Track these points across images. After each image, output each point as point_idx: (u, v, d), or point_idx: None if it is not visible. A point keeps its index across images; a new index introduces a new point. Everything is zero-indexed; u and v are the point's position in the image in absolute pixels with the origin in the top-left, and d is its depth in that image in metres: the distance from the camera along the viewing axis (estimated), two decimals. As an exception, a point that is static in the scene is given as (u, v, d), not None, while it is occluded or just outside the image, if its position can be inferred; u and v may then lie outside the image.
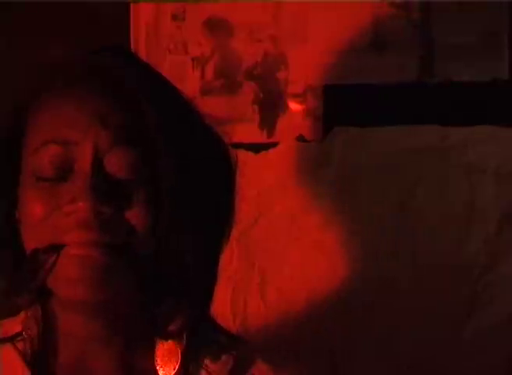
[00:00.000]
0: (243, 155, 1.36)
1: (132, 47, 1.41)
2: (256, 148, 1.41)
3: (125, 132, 0.92)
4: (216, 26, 1.43)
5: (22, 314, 0.98)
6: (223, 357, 0.98)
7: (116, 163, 0.91)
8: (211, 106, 1.35)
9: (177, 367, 0.95)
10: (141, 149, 0.92)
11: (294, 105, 1.41)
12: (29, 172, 0.93)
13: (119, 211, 0.91)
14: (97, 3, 1.42)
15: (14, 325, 0.99)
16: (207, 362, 0.98)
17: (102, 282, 0.90)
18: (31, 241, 0.93)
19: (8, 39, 1.45)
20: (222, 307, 1.32)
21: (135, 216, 0.91)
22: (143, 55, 1.38)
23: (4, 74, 1.44)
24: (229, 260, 1.37)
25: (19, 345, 0.97)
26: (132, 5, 1.43)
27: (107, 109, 0.92)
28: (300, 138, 1.40)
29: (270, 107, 1.42)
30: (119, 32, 1.41)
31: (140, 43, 1.42)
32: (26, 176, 0.94)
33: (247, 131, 1.42)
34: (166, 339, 0.95)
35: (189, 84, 1.39)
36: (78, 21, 1.42)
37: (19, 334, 0.97)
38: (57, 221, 0.91)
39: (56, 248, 0.90)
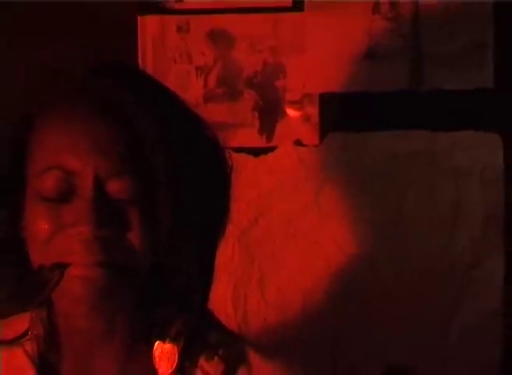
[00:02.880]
0: (243, 159, 1.41)
1: (139, 57, 1.44)
2: (256, 151, 1.44)
3: (124, 160, 0.93)
4: (218, 38, 1.45)
5: (28, 313, 1.00)
6: (216, 358, 1.00)
7: (116, 189, 0.93)
8: (214, 112, 1.38)
9: (174, 366, 0.98)
10: (140, 174, 0.94)
11: (292, 112, 1.44)
12: (34, 191, 0.95)
13: (119, 232, 0.93)
14: (107, 17, 1.43)
15: (21, 324, 1.01)
16: (202, 362, 0.99)
17: (104, 301, 0.93)
18: (37, 257, 0.95)
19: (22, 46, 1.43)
20: (224, 302, 1.36)
21: (135, 236, 0.93)
22: (149, 64, 1.43)
23: (5, 74, 1.45)
24: (231, 257, 1.41)
25: (27, 346, 0.99)
26: (139, 17, 1.45)
27: (106, 138, 0.93)
28: (298, 143, 1.43)
29: (269, 113, 1.45)
30: (127, 43, 1.43)
31: (148, 53, 1.45)
32: (31, 194, 0.96)
33: (248, 136, 1.45)
34: (164, 341, 0.98)
35: (193, 92, 1.41)
36: (90, 35, 1.42)
37: (25, 334, 1.00)
38: (61, 241, 0.93)
39: (60, 267, 0.92)
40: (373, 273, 1.42)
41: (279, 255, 1.43)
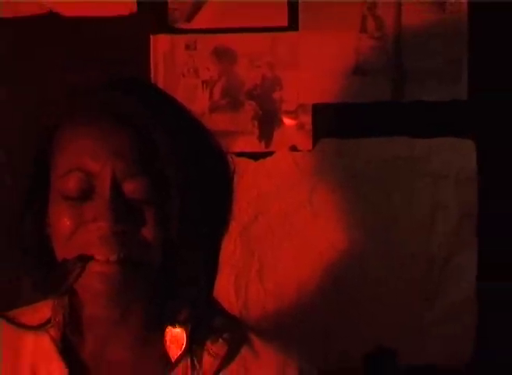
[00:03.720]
0: (244, 163, 1.45)
1: (152, 72, 1.47)
2: (255, 156, 1.47)
3: (138, 162, 0.95)
4: (222, 55, 1.48)
5: (51, 300, 1.04)
6: (221, 340, 1.03)
7: (131, 189, 0.96)
8: (218, 121, 1.42)
9: (183, 349, 1.01)
10: (152, 175, 0.96)
11: (288, 120, 1.48)
12: (57, 191, 0.97)
13: (134, 228, 0.96)
14: (123, 36, 1.46)
15: (46, 311, 1.04)
16: (208, 344, 1.03)
17: (120, 294, 0.96)
18: (60, 251, 0.98)
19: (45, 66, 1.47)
20: (227, 290, 1.38)
21: (148, 232, 0.96)
22: (161, 78, 1.46)
23: (31, 89, 1.47)
24: (233, 251, 1.43)
25: (51, 331, 1.03)
26: (152, 36, 1.47)
27: (122, 143, 0.95)
28: (293, 148, 1.47)
29: (267, 122, 1.48)
30: (141, 59, 1.46)
31: (159, 69, 1.47)
32: (54, 194, 0.98)
33: (248, 142, 1.48)
34: (174, 326, 1.02)
35: (199, 103, 1.44)
36: (107, 52, 1.45)
37: (50, 320, 1.03)
38: (82, 236, 0.96)
39: (82, 260, 0.95)
40: (360, 266, 1.46)
41: (276, 249, 1.47)
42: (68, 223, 0.95)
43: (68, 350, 1.02)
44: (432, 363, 1.47)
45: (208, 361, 1.02)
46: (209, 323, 1.04)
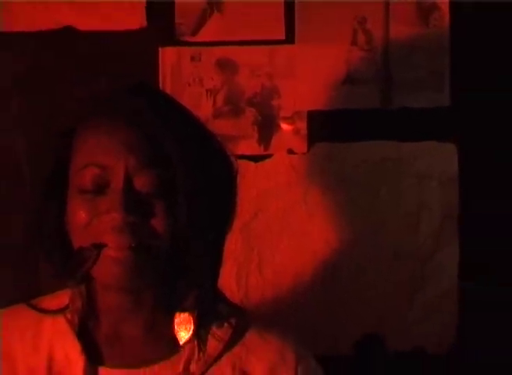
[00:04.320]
0: (245, 165, 1.45)
1: (160, 81, 1.47)
2: (255, 158, 1.49)
3: (148, 157, 0.98)
4: (225, 65, 1.49)
5: (69, 290, 1.06)
6: (225, 325, 1.05)
7: (142, 182, 0.98)
8: (221, 127, 1.42)
9: (190, 332, 1.04)
10: (161, 169, 0.98)
11: (285, 126, 1.49)
12: (74, 186, 1.00)
13: (145, 219, 0.98)
14: (134, 48, 1.46)
15: (64, 298, 1.06)
16: (213, 328, 1.05)
17: (133, 279, 0.98)
18: (77, 240, 1.00)
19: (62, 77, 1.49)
20: (229, 281, 1.40)
21: (158, 222, 0.98)
22: (168, 87, 1.46)
23: (54, 103, 1.47)
24: (235, 245, 1.44)
25: (69, 315, 1.05)
26: (160, 49, 1.48)
27: (133, 140, 0.98)
28: (290, 151, 1.49)
29: (266, 127, 1.49)
30: (151, 70, 1.47)
31: (167, 78, 1.48)
32: (72, 189, 1.00)
33: (248, 146, 1.49)
34: (182, 311, 1.04)
35: (203, 110, 1.45)
36: (117, 62, 1.46)
37: (67, 307, 1.05)
38: (97, 226, 0.98)
39: (97, 247, 0.98)
40: (350, 258, 1.48)
41: (274, 244, 1.48)
42: (83, 214, 0.98)
43: (83, 332, 1.05)
44: (417, 349, 1.48)
45: (213, 344, 1.04)
46: (215, 310, 1.06)
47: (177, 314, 1.05)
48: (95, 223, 0.98)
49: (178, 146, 0.99)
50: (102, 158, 0.98)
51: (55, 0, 1.47)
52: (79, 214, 0.98)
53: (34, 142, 1.46)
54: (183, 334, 1.04)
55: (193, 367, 1.03)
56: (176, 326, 1.04)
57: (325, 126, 1.51)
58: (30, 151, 1.47)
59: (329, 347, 1.43)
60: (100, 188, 0.98)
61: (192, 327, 1.04)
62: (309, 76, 1.50)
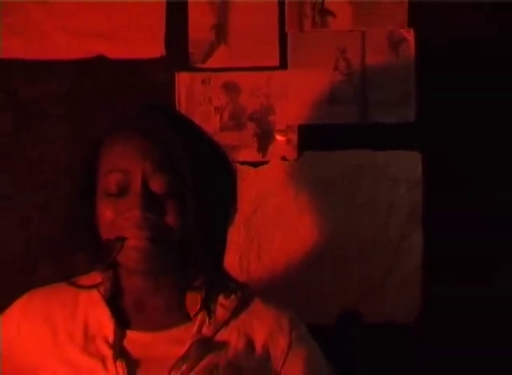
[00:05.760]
0: (245, 169, 1.51)
1: (176, 101, 1.53)
2: (254, 164, 1.54)
3: (161, 163, 1.01)
4: (230, 87, 1.54)
5: (99, 273, 1.11)
6: (232, 296, 1.10)
7: (157, 184, 1.01)
8: (226, 138, 1.47)
9: (199, 307, 1.08)
10: (173, 173, 1.01)
11: (279, 137, 1.55)
12: (102, 189, 1.04)
13: (159, 215, 1.01)
14: (155, 73, 1.54)
15: (96, 277, 1.12)
16: (221, 299, 1.09)
17: (150, 263, 1.02)
18: (105, 234, 1.04)
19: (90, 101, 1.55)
20: (233, 267, 1.37)
21: (170, 218, 1.01)
22: (183, 106, 1.52)
23: (84, 123, 1.54)
24: (238, 237, 1.51)
25: (101, 290, 1.10)
26: (176, 74, 1.55)
27: (149, 149, 1.01)
28: (283, 158, 1.54)
29: (264, 138, 1.55)
30: (168, 91, 1.54)
31: (182, 98, 1.54)
32: (100, 191, 1.04)
33: (249, 154, 1.55)
34: (192, 290, 1.09)
35: (212, 125, 1.51)
36: (141, 85, 1.54)
37: (99, 284, 1.10)
38: (120, 223, 1.02)
39: (121, 240, 1.02)
40: (334, 247, 1.54)
41: (270, 235, 1.54)
42: (109, 213, 1.02)
43: (113, 304, 1.09)
44: (389, 321, 1.54)
45: (221, 312, 1.09)
46: (224, 286, 1.10)
47: (188, 292, 1.09)
48: (119, 220, 1.01)
49: (187, 154, 1.01)
50: (123, 164, 1.01)
51: (90, 32, 1.54)
52: (106, 213, 1.02)
53: (71, 152, 1.53)
54: (193, 309, 1.08)
55: (204, 330, 1.07)
56: (187, 302, 1.09)
57: (313, 138, 1.55)
58: (68, 160, 1.54)
59: (316, 318, 1.40)
60: (122, 191, 1.01)
61: (200, 303, 1.08)
62: (299, 97, 1.54)
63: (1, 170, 1.55)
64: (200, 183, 1.01)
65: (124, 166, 1.01)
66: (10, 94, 1.54)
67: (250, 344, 1.08)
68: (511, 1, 1.50)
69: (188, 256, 1.04)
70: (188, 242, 1.02)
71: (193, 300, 1.08)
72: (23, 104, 1.54)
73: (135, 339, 1.06)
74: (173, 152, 1.01)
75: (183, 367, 1.03)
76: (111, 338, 1.05)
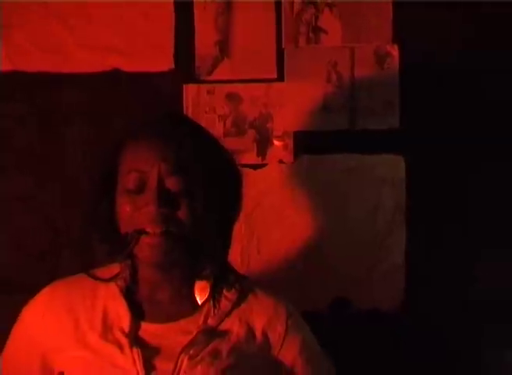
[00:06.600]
0: (246, 171, 1.56)
1: (184, 109, 1.59)
2: (254, 167, 1.61)
3: (176, 165, 1.06)
4: (232, 97, 1.60)
5: (118, 264, 1.16)
6: (233, 289, 1.15)
7: (171, 183, 1.06)
8: (230, 143, 1.38)
9: (207, 295, 1.14)
10: (185, 174, 1.07)
11: (277, 142, 1.62)
12: (122, 187, 1.09)
13: (173, 212, 1.06)
14: (166, 85, 1.59)
15: (114, 270, 1.17)
16: (225, 292, 1.15)
17: (164, 255, 1.07)
18: (123, 227, 1.10)
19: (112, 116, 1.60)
20: (235, 259, 1.36)
21: (182, 214, 1.07)
22: (190, 114, 1.58)
23: (106, 126, 1.59)
24: (239, 231, 1.54)
25: (118, 282, 1.15)
26: (184, 85, 1.61)
27: (165, 152, 1.06)
28: (280, 161, 1.61)
29: (263, 143, 1.61)
30: (177, 101, 1.60)
31: (189, 107, 1.60)
32: (120, 189, 1.10)
33: (249, 157, 1.61)
34: (201, 280, 1.15)
35: (216, 131, 1.53)
36: (152, 96, 1.59)
37: (117, 276, 1.16)
38: (138, 217, 1.07)
39: (138, 233, 1.07)
40: (326, 241, 1.60)
41: (269, 230, 1.61)
42: (128, 209, 1.08)
43: (129, 295, 1.15)
44: (376, 308, 1.61)
45: (224, 303, 1.15)
46: (226, 278, 1.16)
47: (197, 282, 1.15)
48: (136, 214, 1.08)
49: (199, 158, 1.07)
50: (142, 165, 1.07)
51: (106, 48, 1.59)
52: (124, 208, 1.09)
53: (90, 155, 1.60)
54: (202, 297, 1.14)
55: (210, 321, 1.12)
56: (196, 292, 1.15)
57: (307, 143, 1.61)
58: (87, 161, 1.60)
59: (310, 305, 1.49)
60: (139, 188, 1.07)
61: (208, 291, 1.14)
62: (295, 106, 1.61)
63: (27, 173, 1.61)
64: (209, 183, 1.07)
65: (143, 167, 1.06)
66: (34, 103, 1.59)
67: (250, 331, 1.14)
68: (479, 16, 1.59)
69: (198, 249, 1.10)
70: (198, 236, 1.08)
71: (201, 288, 1.14)
72: (46, 113, 1.60)
73: (149, 330, 1.12)
74: (187, 156, 1.06)
75: (191, 351, 1.08)
76: (127, 329, 1.11)
